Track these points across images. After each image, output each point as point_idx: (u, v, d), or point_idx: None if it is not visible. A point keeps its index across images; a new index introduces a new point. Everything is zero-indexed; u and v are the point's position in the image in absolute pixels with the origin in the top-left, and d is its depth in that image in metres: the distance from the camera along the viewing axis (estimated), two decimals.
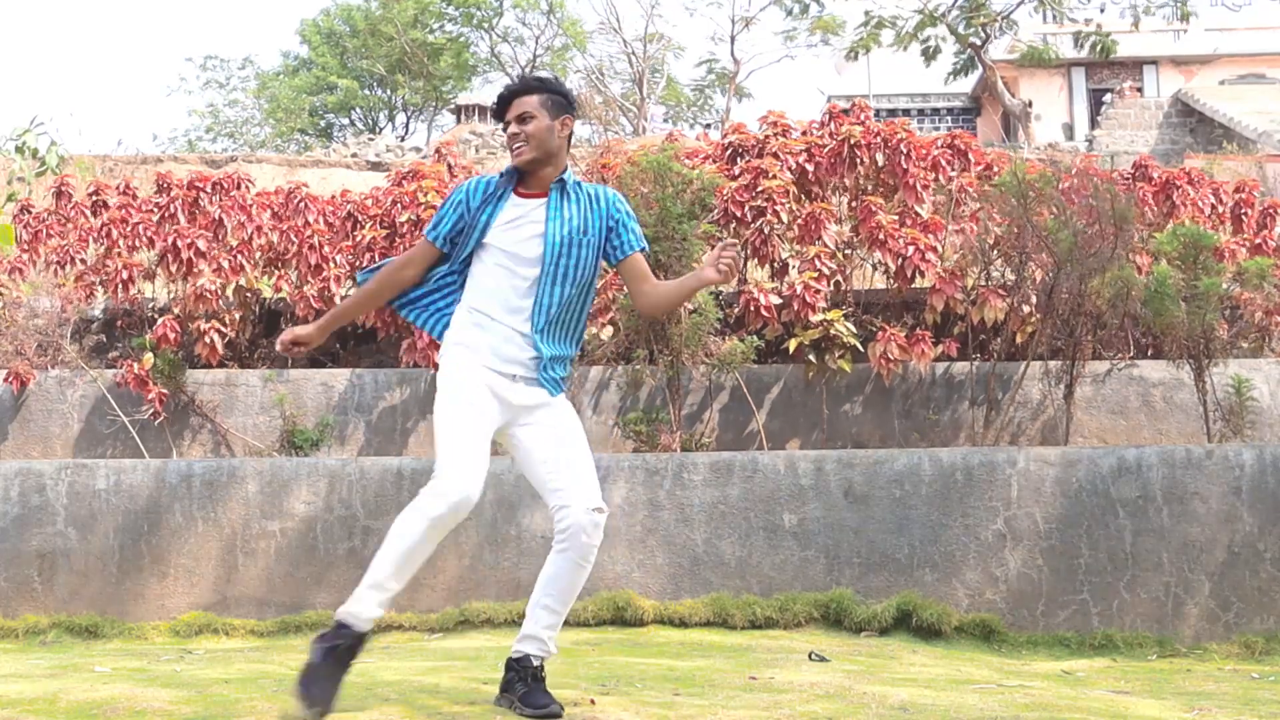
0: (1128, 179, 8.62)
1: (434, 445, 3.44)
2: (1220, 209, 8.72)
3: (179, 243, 8.12)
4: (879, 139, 7.93)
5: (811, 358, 7.38)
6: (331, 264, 8.11)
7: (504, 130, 3.57)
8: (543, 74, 3.65)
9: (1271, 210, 8.78)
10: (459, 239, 3.60)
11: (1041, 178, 7.17)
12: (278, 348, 3.70)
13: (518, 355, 3.51)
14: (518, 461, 3.60)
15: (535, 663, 3.47)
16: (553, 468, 3.46)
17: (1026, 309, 7.38)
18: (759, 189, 7.67)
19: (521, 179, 3.60)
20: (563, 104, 3.57)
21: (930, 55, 28.53)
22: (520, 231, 3.53)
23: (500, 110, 3.59)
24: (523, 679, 3.46)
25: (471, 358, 3.49)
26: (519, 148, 3.53)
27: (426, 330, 3.73)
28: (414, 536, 3.31)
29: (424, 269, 3.67)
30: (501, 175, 3.62)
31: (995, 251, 7.47)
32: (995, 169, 8.04)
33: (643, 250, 3.65)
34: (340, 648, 3.31)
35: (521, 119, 3.52)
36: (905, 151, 7.88)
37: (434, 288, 3.69)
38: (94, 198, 9.03)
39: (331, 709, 3.27)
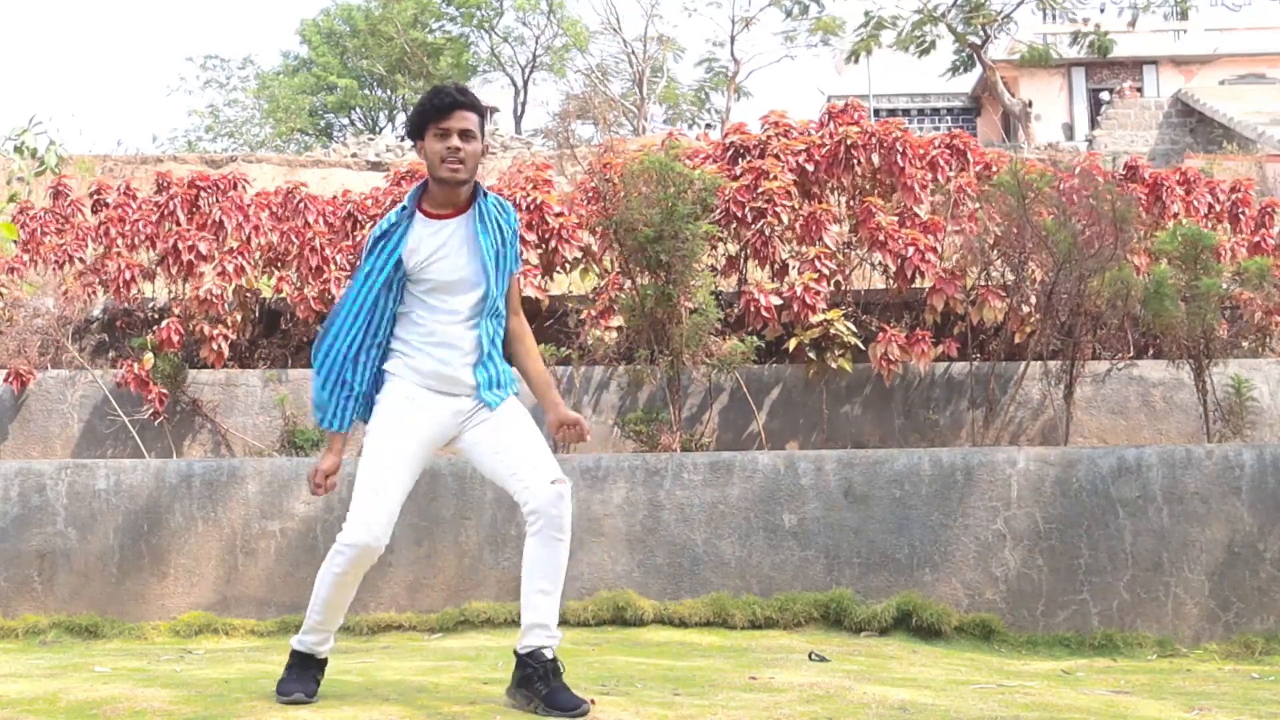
0: (1120, 180, 8.62)
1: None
2: (1218, 208, 8.72)
3: (179, 244, 8.11)
4: (874, 139, 7.93)
5: (812, 357, 7.38)
6: (332, 265, 8.11)
7: (435, 138, 3.38)
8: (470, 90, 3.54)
9: (1269, 209, 8.79)
10: (381, 295, 3.46)
11: (1041, 177, 7.18)
12: (312, 489, 3.66)
13: (454, 375, 3.49)
14: (474, 463, 3.60)
15: (549, 655, 3.45)
16: (505, 456, 3.46)
17: (1026, 309, 7.38)
18: (760, 190, 7.67)
19: (427, 200, 3.49)
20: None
21: (925, 49, 28.51)
22: (449, 259, 3.44)
23: (435, 114, 3.38)
24: (542, 676, 3.42)
25: (405, 390, 3.49)
26: (457, 166, 3.38)
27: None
28: (329, 587, 3.52)
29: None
30: (401, 207, 3.48)
31: (995, 252, 7.47)
32: (994, 169, 8.04)
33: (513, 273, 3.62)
34: (298, 667, 3.64)
35: (465, 135, 3.39)
36: (901, 151, 7.87)
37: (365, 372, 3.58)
38: (94, 197, 9.02)
39: (313, 695, 3.59)
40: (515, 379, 3.65)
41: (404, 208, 3.50)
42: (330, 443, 3.66)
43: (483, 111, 3.49)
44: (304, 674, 3.62)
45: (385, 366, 3.55)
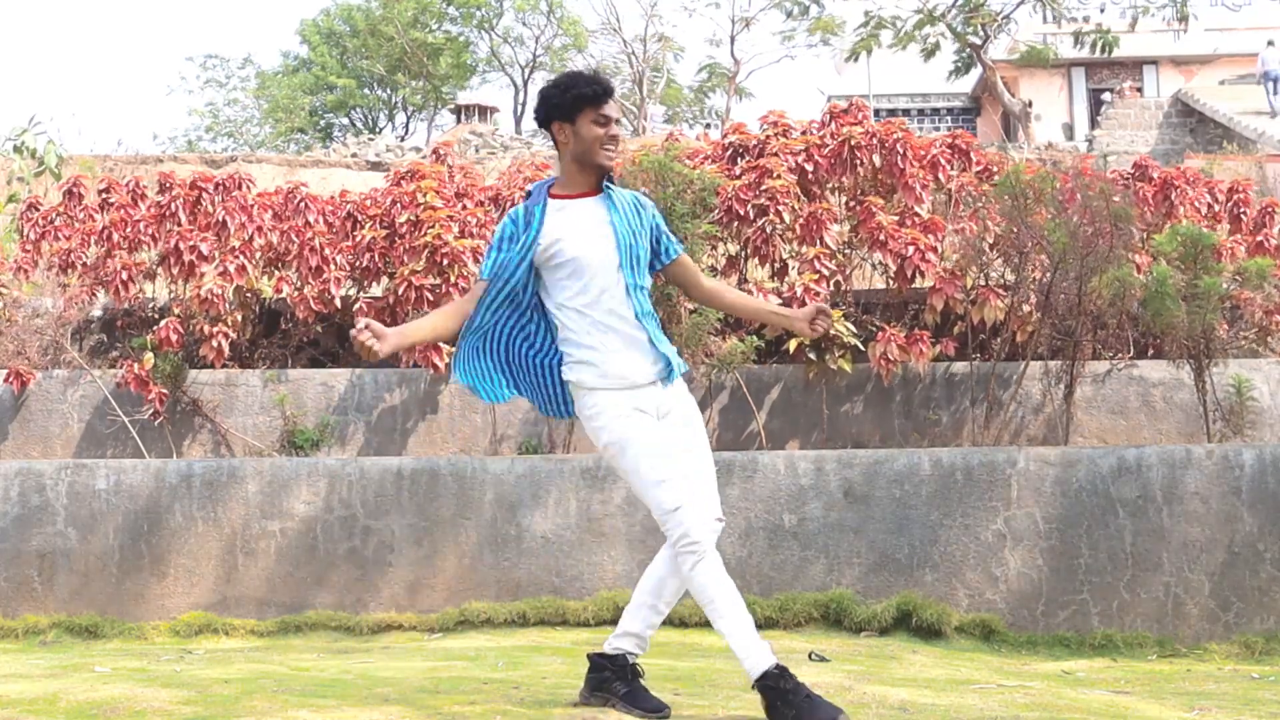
0: (1127, 179, 8.62)
1: (646, 500, 3.35)
2: (1217, 209, 8.72)
3: (180, 245, 8.11)
4: (875, 140, 7.93)
5: (811, 357, 7.38)
6: (332, 265, 8.11)
7: (595, 124, 3.39)
8: None
9: (1269, 209, 8.79)
10: (515, 276, 3.42)
11: (1040, 178, 7.18)
12: (355, 334, 3.24)
13: (633, 369, 3.40)
14: None
15: (631, 659, 3.48)
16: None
17: (1026, 309, 7.38)
18: (762, 188, 7.67)
19: (558, 186, 3.49)
20: None
21: (929, 52, 28.55)
22: (584, 239, 3.41)
23: (594, 100, 3.39)
24: (622, 678, 3.46)
25: (608, 393, 3.38)
26: (612, 151, 3.43)
27: (554, 410, 3.56)
28: (698, 588, 3.30)
29: None
30: (530, 195, 3.49)
31: (995, 252, 7.47)
32: (995, 169, 8.04)
33: (683, 253, 3.63)
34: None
35: (618, 121, 3.44)
36: (902, 152, 7.88)
37: (532, 347, 3.53)
38: (103, 195, 9.00)
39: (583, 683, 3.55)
40: (685, 364, 3.59)
41: (532, 192, 3.49)
42: (399, 341, 3.37)
43: None
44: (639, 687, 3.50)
45: (570, 378, 3.45)
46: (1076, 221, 6.96)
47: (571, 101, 3.41)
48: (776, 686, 3.23)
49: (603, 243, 3.42)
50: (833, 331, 7.31)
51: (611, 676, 3.47)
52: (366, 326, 3.22)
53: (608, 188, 3.51)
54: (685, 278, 3.66)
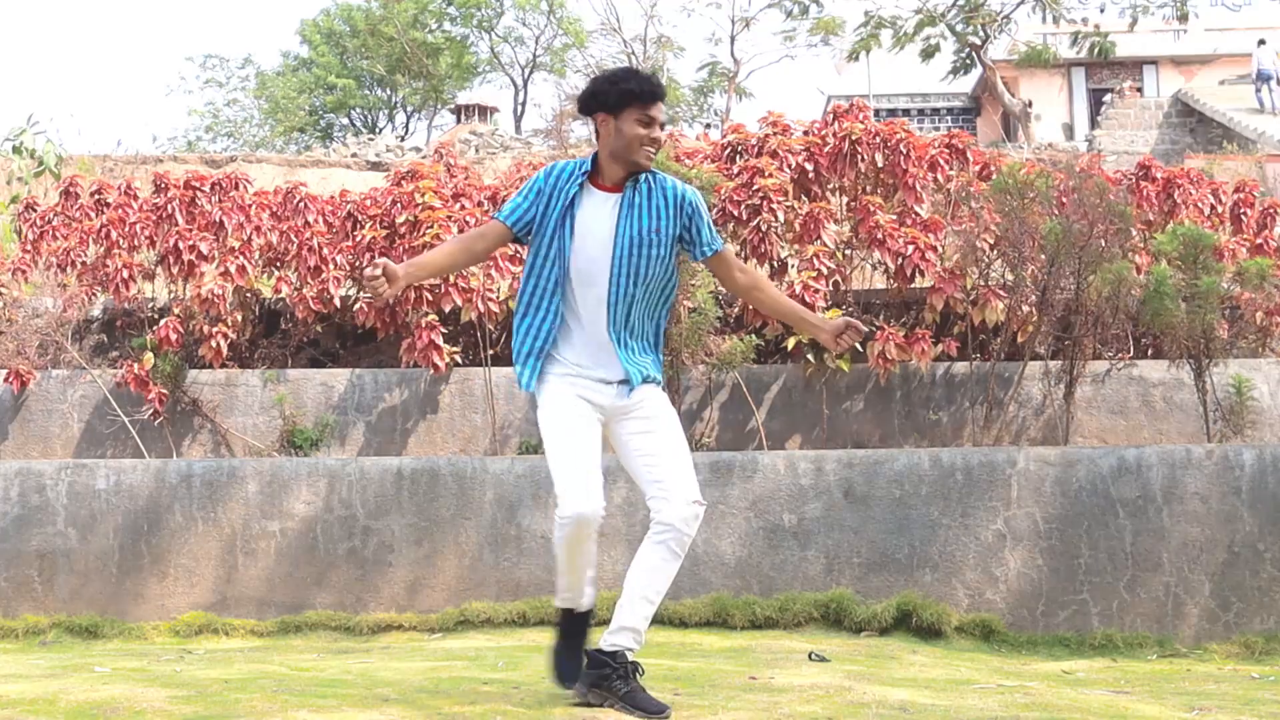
0: (1131, 178, 8.62)
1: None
2: (1220, 209, 8.72)
3: (179, 244, 8.11)
4: (878, 139, 7.93)
5: (811, 357, 7.37)
6: (331, 265, 8.11)
7: (638, 123, 3.43)
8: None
9: (1271, 210, 8.78)
10: (531, 228, 3.53)
11: (1040, 176, 7.18)
12: (366, 272, 3.35)
13: (599, 369, 3.54)
14: (618, 455, 3.66)
15: (630, 656, 3.52)
16: (651, 461, 3.52)
17: (1026, 309, 7.38)
18: (755, 188, 7.67)
19: (600, 172, 3.54)
20: None
21: (929, 53, 28.56)
22: (593, 234, 3.50)
23: (643, 99, 3.44)
24: (622, 676, 3.49)
25: (561, 379, 3.54)
26: (651, 152, 3.48)
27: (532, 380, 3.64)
28: (561, 556, 3.57)
29: (494, 245, 3.65)
30: (580, 167, 3.53)
31: (995, 251, 7.47)
32: (993, 168, 8.04)
33: (719, 250, 3.66)
34: (567, 635, 3.74)
35: (662, 125, 3.50)
36: (905, 152, 7.88)
37: (532, 320, 3.59)
38: (96, 197, 9.02)
39: (580, 678, 3.60)
40: (660, 373, 3.69)
41: (581, 164, 3.53)
42: (410, 272, 3.47)
43: None
44: (572, 645, 3.69)
45: (546, 355, 3.58)
46: (1071, 219, 6.95)
47: (619, 96, 3.47)
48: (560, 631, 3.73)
49: (601, 250, 3.50)
50: None
51: (611, 674, 3.49)
52: (380, 267, 3.32)
53: (636, 183, 3.54)
54: (721, 271, 3.74)
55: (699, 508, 3.47)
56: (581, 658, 3.64)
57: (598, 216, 3.51)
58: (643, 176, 3.55)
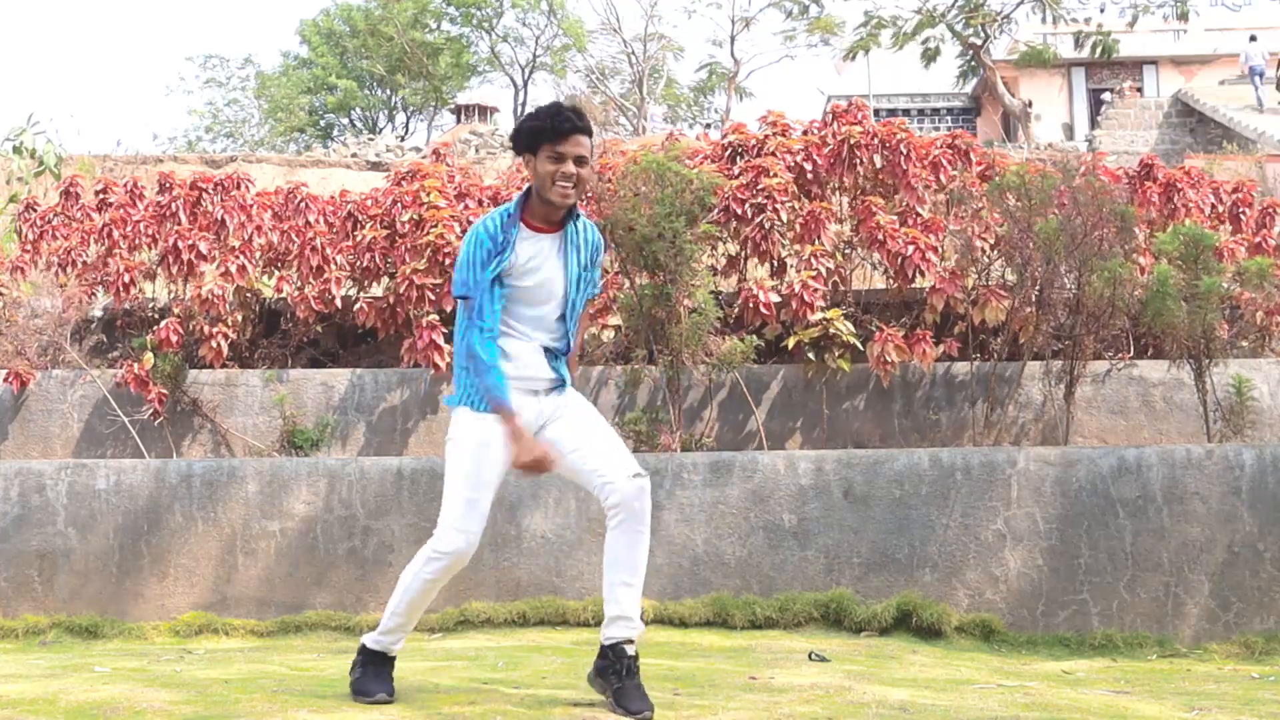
0: (1132, 178, 8.62)
1: (445, 494, 3.56)
2: (1220, 209, 8.73)
3: (179, 244, 8.11)
4: (877, 140, 7.93)
5: (811, 357, 7.37)
6: (332, 265, 8.11)
7: (550, 158, 3.45)
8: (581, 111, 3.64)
9: (1270, 209, 8.79)
10: (485, 287, 3.55)
11: (1041, 176, 7.18)
12: (544, 463, 3.52)
13: (541, 373, 3.61)
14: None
15: (630, 651, 3.53)
16: (585, 453, 3.55)
17: (1027, 309, 7.38)
18: (759, 187, 7.67)
19: (530, 211, 3.58)
20: None
21: (930, 56, 28.56)
22: (542, 271, 3.55)
23: (552, 137, 3.45)
24: (616, 671, 3.51)
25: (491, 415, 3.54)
26: (568, 189, 3.48)
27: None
28: (417, 592, 3.59)
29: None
30: (507, 214, 3.55)
31: (996, 252, 7.47)
32: (995, 168, 8.04)
33: (597, 294, 3.87)
34: (373, 665, 3.70)
35: (579, 160, 3.48)
36: (905, 152, 7.87)
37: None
38: (100, 196, 9.01)
39: (393, 695, 3.64)
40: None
41: (509, 213, 3.56)
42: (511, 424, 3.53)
43: (592, 132, 3.57)
44: (380, 672, 3.68)
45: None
46: (1071, 218, 6.95)
47: (529, 135, 3.51)
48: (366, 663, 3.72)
49: (557, 281, 3.59)
50: (832, 330, 7.31)
51: (608, 668, 3.52)
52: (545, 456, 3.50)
53: (570, 221, 3.61)
54: (582, 310, 3.82)
55: (642, 479, 3.50)
56: (389, 675, 3.69)
57: (542, 253, 3.56)
58: (578, 219, 3.62)
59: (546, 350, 3.63)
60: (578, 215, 3.65)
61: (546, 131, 3.46)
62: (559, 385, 3.66)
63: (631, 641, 3.53)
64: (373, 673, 3.68)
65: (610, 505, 3.49)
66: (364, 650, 3.73)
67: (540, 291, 3.58)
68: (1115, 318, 7.13)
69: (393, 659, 3.74)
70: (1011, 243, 7.17)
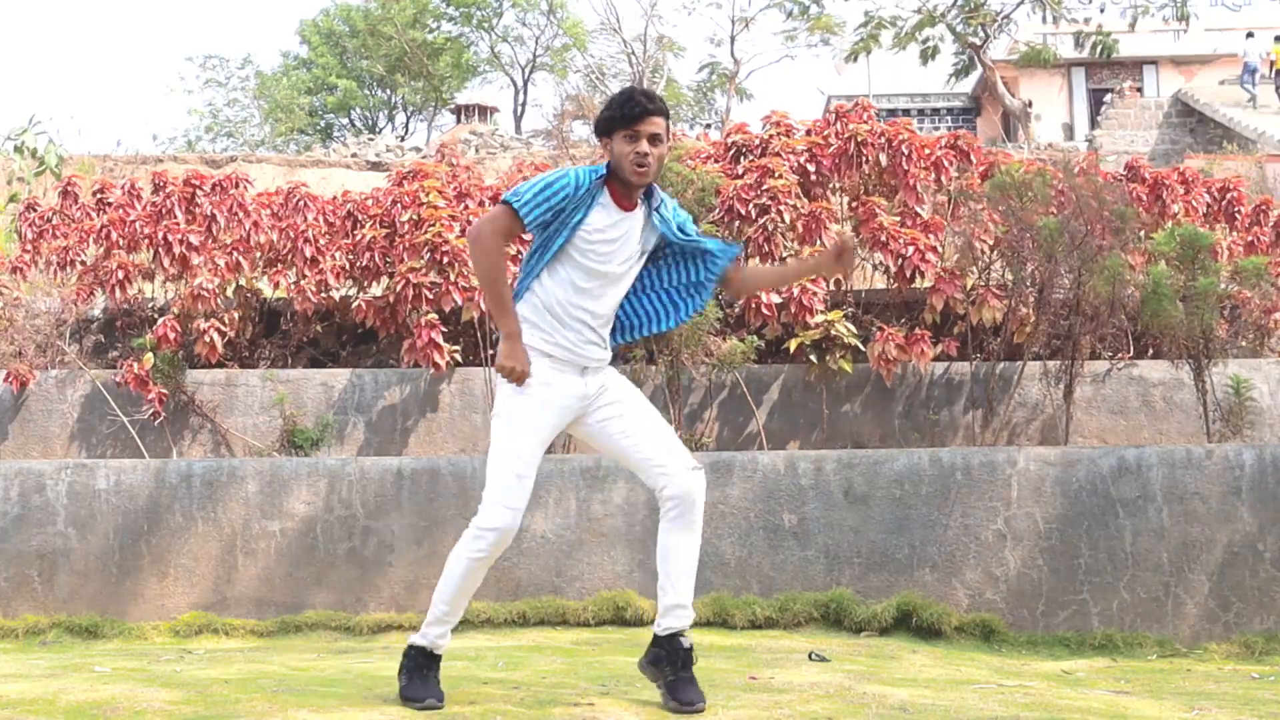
0: (1120, 179, 8.62)
1: (485, 470, 3.56)
2: (1215, 208, 8.74)
3: (170, 238, 8.11)
4: (883, 139, 7.93)
5: (812, 358, 7.38)
6: (328, 258, 8.11)
7: (626, 138, 3.51)
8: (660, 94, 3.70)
9: (1264, 207, 8.79)
10: (547, 227, 3.56)
11: (1038, 175, 7.18)
12: (517, 371, 3.52)
13: (589, 352, 3.61)
14: (600, 445, 3.70)
15: (686, 644, 3.58)
16: (639, 441, 3.60)
17: (1025, 309, 7.38)
18: (764, 188, 7.67)
19: (613, 185, 3.60)
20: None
21: (929, 56, 28.57)
22: (610, 244, 3.57)
23: (630, 118, 3.52)
24: (672, 662, 3.56)
25: (539, 374, 3.54)
26: (644, 169, 3.53)
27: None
28: (463, 575, 3.58)
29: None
30: (595, 175, 3.57)
31: (995, 252, 7.47)
32: (997, 169, 8.04)
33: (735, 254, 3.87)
34: (420, 669, 3.65)
35: (654, 139, 3.53)
36: (907, 153, 7.87)
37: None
38: (98, 196, 9.02)
39: (443, 700, 3.58)
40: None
41: (598, 175, 3.56)
42: (510, 324, 3.55)
43: (669, 113, 3.63)
44: (427, 676, 3.65)
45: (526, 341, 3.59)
46: (1069, 218, 6.95)
47: (606, 122, 3.59)
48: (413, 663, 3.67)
49: (623, 261, 3.62)
50: (833, 332, 7.31)
51: (664, 659, 3.58)
52: (517, 361, 3.49)
53: (647, 200, 3.65)
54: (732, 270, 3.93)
55: (699, 472, 3.59)
56: (437, 679, 3.65)
57: (615, 228, 3.58)
58: (656, 197, 3.66)
59: (596, 329, 3.62)
60: (661, 201, 3.68)
61: (619, 119, 3.53)
62: (603, 365, 3.67)
63: (685, 633, 3.59)
64: (420, 677, 3.63)
65: (666, 496, 3.56)
66: (410, 651, 3.69)
67: (605, 265, 3.57)
68: (1113, 316, 7.13)
69: (439, 658, 3.69)
70: (1010, 243, 7.17)
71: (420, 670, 3.65)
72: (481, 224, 3.56)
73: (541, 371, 3.55)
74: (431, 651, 3.68)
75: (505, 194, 3.57)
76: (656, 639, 3.61)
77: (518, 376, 3.50)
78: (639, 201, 3.63)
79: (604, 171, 3.59)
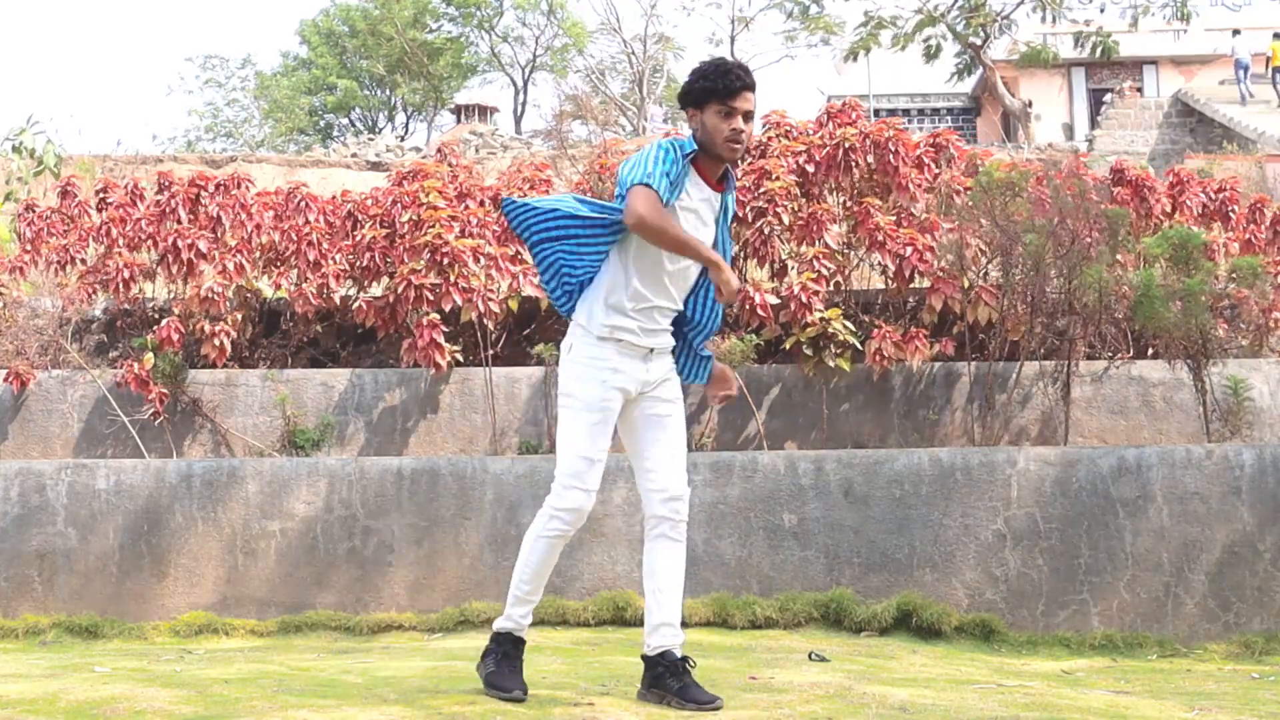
0: (1104, 182, 8.62)
1: (556, 449, 3.58)
2: (1210, 208, 8.74)
3: (179, 243, 8.11)
4: (869, 141, 7.92)
5: (809, 353, 7.37)
6: (330, 260, 8.11)
7: (720, 113, 3.45)
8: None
9: (1259, 205, 8.79)
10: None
11: (1020, 176, 7.20)
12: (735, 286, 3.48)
13: (658, 340, 3.61)
14: (623, 434, 3.70)
15: (678, 653, 3.60)
16: (648, 451, 3.62)
17: (1020, 308, 7.38)
18: (761, 190, 7.67)
19: (700, 162, 3.55)
20: None
21: (932, 54, 28.58)
22: (695, 221, 3.54)
23: (729, 90, 3.44)
24: (674, 674, 3.57)
25: (610, 357, 3.54)
26: (738, 146, 3.50)
27: (565, 310, 3.68)
28: (542, 553, 3.60)
29: None
30: (685, 149, 3.50)
31: (990, 250, 7.47)
32: (979, 164, 8.05)
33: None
34: (505, 656, 3.67)
35: (747, 116, 3.50)
36: (895, 150, 7.86)
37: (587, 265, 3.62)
38: (100, 195, 9.02)
39: (527, 692, 3.61)
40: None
41: (688, 149, 3.50)
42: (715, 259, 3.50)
43: (756, 87, 3.58)
44: (513, 665, 3.66)
45: (589, 323, 3.56)
46: (1055, 220, 6.95)
47: (700, 93, 3.51)
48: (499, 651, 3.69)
49: (702, 236, 3.57)
50: (831, 330, 7.31)
51: (664, 673, 3.58)
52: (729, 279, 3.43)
53: (727, 182, 3.62)
54: None
55: (681, 503, 3.62)
56: (522, 667, 3.68)
57: (698, 207, 3.55)
58: (729, 178, 3.64)
59: (667, 314, 3.61)
60: (732, 187, 3.65)
61: (716, 91, 3.47)
62: (664, 353, 3.66)
63: (677, 647, 3.60)
64: (510, 665, 3.66)
65: (650, 514, 3.62)
66: (497, 637, 3.70)
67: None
68: (1106, 318, 7.14)
69: (523, 645, 3.71)
70: (998, 246, 7.18)
71: (509, 658, 3.67)
72: (637, 207, 3.35)
73: (609, 356, 3.54)
74: (517, 636, 3.69)
75: (628, 179, 3.41)
76: (648, 660, 3.61)
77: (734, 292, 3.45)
78: (723, 182, 3.59)
79: (694, 146, 3.52)
